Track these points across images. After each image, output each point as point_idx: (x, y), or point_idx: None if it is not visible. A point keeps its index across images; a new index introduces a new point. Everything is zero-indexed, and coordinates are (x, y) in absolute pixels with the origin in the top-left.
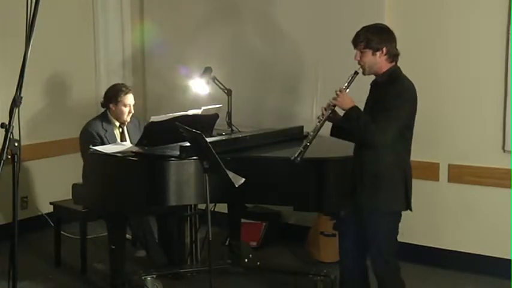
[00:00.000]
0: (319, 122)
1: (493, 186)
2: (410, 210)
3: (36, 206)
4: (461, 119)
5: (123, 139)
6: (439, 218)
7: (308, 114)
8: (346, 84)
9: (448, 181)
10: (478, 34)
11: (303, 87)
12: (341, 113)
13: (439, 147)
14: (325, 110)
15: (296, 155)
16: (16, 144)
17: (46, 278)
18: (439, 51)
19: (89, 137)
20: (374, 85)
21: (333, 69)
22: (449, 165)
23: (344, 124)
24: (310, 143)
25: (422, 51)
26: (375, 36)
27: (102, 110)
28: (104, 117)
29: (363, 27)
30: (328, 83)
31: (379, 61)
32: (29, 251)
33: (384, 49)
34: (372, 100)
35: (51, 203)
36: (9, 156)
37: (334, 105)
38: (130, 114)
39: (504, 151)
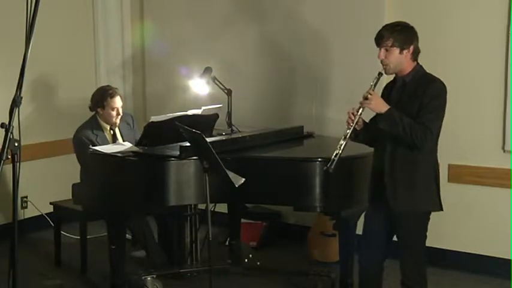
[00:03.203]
0: (348, 127)
1: (493, 186)
2: (442, 210)
3: (36, 206)
4: (461, 119)
5: (115, 141)
6: (439, 218)
7: (308, 114)
8: (373, 87)
9: (448, 181)
10: (478, 34)
11: (302, 87)
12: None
13: (439, 147)
14: (354, 115)
15: (329, 165)
16: (16, 144)
17: (46, 278)
18: (439, 51)
19: (80, 143)
20: (401, 85)
21: (332, 69)
22: (449, 165)
23: (386, 127)
24: (342, 150)
25: (422, 51)
26: (402, 35)
27: None
28: (93, 122)
29: (387, 26)
30: (327, 83)
31: (405, 60)
32: (29, 251)
33: (411, 47)
34: (400, 101)
35: (51, 203)
36: (9, 156)
37: (364, 109)
38: (119, 116)
39: (504, 151)
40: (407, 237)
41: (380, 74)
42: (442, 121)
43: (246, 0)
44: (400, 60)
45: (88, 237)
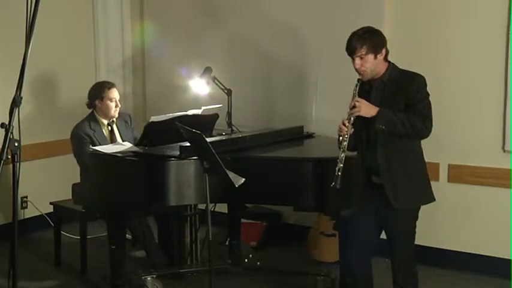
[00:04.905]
0: (344, 139)
1: (493, 186)
2: (435, 199)
3: (36, 206)
4: (461, 119)
5: (112, 137)
6: (439, 218)
7: (308, 114)
8: (356, 94)
9: (448, 181)
10: (478, 34)
11: (302, 87)
12: None
13: (439, 147)
14: (345, 125)
15: (334, 182)
16: (16, 144)
17: (46, 278)
18: (439, 51)
19: (77, 138)
20: (380, 85)
21: (332, 69)
22: (449, 165)
23: (384, 126)
24: (343, 164)
25: (422, 51)
26: (373, 40)
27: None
28: (90, 118)
29: (355, 36)
30: (327, 83)
31: (379, 63)
32: (29, 251)
33: (383, 50)
34: (384, 100)
35: (51, 203)
36: (9, 156)
37: (354, 118)
38: (118, 109)
39: (504, 151)
40: (402, 235)
41: (359, 81)
42: (431, 108)
43: (246, 1)
44: (376, 64)
45: (88, 237)
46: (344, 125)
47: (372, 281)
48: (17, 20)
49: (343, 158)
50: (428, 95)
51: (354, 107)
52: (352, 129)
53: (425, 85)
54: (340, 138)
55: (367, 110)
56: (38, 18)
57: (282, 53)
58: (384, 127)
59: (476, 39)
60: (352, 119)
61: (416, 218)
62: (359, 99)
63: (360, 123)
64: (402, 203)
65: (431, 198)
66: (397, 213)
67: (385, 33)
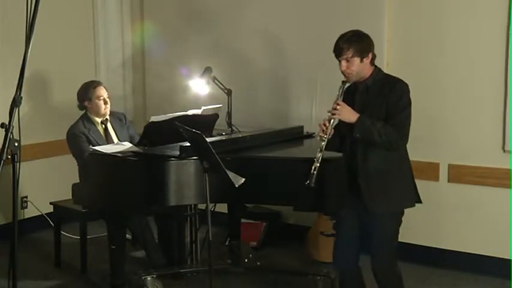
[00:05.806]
0: (322, 140)
1: (493, 186)
2: (421, 202)
3: (36, 206)
4: (461, 119)
5: (107, 136)
6: (439, 218)
7: (308, 114)
8: (339, 97)
9: (448, 181)
10: (478, 34)
11: (302, 87)
12: None
13: (439, 147)
14: (326, 126)
15: (309, 181)
16: (16, 144)
17: (46, 278)
18: (439, 51)
19: (73, 137)
20: (364, 89)
21: (332, 69)
22: (449, 165)
23: (361, 135)
24: (319, 163)
25: (422, 51)
26: (360, 44)
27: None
28: (84, 118)
29: (343, 38)
30: (327, 84)
31: (365, 67)
32: (29, 251)
33: (370, 54)
34: (366, 103)
35: (51, 203)
36: (9, 156)
37: (334, 120)
38: (108, 106)
39: (504, 151)
40: (383, 237)
41: (344, 83)
42: (411, 117)
43: (246, 1)
44: (361, 67)
45: (88, 237)
46: (324, 125)
47: (363, 280)
48: (17, 20)
49: (320, 158)
50: (409, 103)
51: (335, 109)
52: (332, 131)
53: (408, 91)
54: (318, 138)
55: (348, 115)
56: (38, 18)
57: (283, 53)
58: (360, 136)
59: (476, 39)
60: (332, 120)
61: (399, 221)
62: (341, 103)
63: (345, 123)
64: (376, 206)
65: (412, 202)
66: (376, 215)
67: (385, 33)
